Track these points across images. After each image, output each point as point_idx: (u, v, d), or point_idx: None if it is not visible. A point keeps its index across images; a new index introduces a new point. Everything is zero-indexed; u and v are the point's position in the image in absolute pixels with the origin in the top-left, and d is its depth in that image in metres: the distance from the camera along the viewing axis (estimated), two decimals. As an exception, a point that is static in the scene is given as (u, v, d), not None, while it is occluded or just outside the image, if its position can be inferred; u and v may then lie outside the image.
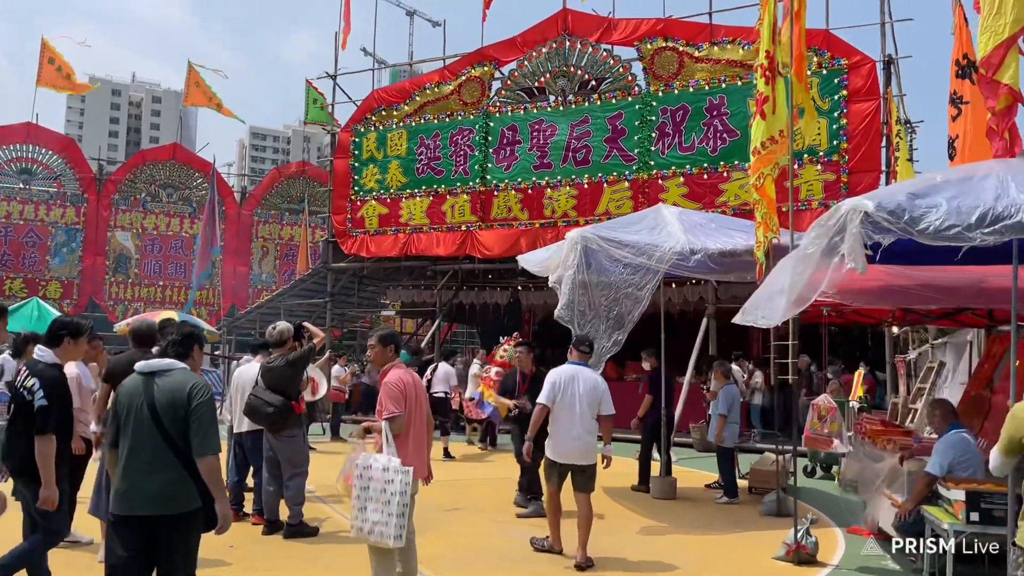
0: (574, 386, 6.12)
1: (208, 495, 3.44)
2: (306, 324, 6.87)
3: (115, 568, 3.43)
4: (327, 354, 14.28)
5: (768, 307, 5.29)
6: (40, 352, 4.42)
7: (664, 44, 15.06)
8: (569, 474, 6.11)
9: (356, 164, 18.20)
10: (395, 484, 4.29)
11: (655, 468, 9.37)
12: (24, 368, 4.38)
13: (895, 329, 12.39)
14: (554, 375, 6.19)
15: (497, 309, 19.35)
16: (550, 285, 8.06)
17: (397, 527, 4.23)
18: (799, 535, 5.94)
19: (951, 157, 8.85)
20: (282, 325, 6.60)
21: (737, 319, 5.85)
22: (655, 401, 9.12)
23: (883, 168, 13.25)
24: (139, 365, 3.59)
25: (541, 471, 6.77)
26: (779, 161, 8.25)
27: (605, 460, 6.11)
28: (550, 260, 8.60)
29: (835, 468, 10.41)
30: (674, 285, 16.10)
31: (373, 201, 17.88)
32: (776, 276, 5.57)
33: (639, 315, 8.14)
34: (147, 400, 3.44)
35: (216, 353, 18.47)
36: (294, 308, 19.07)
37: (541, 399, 6.12)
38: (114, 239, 26.33)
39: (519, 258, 9.85)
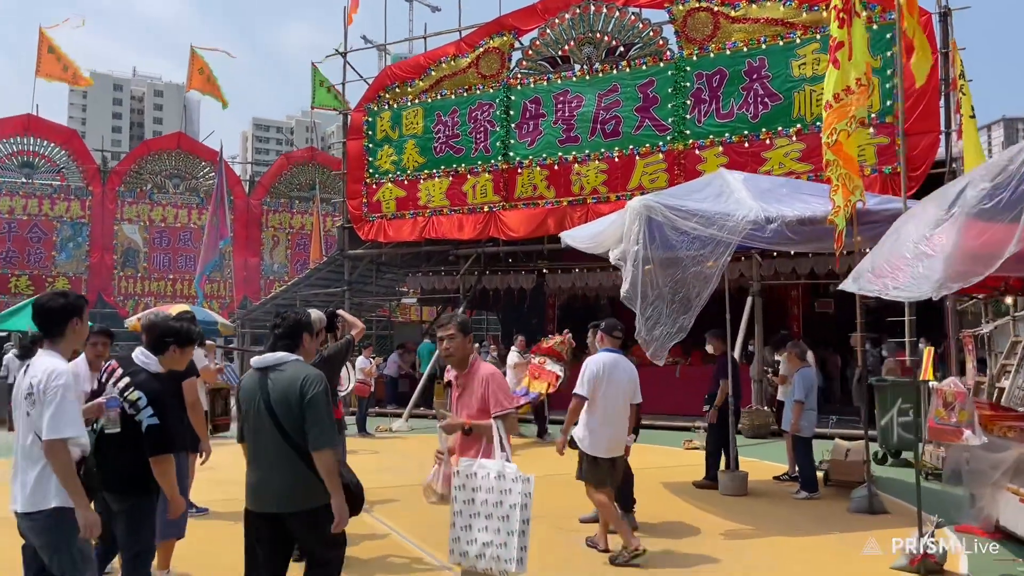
0: (617, 375, 5.78)
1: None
2: (341, 312, 5.95)
3: (253, 560, 3.51)
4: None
5: (902, 275, 4.41)
6: (143, 358, 3.94)
7: (697, 4, 14.06)
8: None
9: (370, 145, 17.31)
10: (513, 495, 3.46)
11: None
12: (121, 373, 3.82)
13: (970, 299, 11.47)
14: (594, 365, 5.77)
15: (522, 294, 18.50)
16: (613, 262, 7.17)
17: (519, 548, 3.41)
18: (924, 541, 5.10)
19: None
20: (314, 314, 5.72)
21: (849, 287, 5.00)
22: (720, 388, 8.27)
23: (943, 129, 12.29)
24: (254, 361, 3.60)
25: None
26: (856, 113, 7.36)
27: (626, 451, 6.00)
28: (604, 234, 7.73)
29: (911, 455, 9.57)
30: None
31: (389, 184, 17.01)
32: (904, 239, 4.69)
33: (708, 296, 7.27)
34: (263, 397, 3.46)
35: (231, 346, 17.70)
36: (310, 298, 18.26)
37: (579, 390, 5.73)
38: (121, 232, 25.58)
39: (563, 235, 8.96)
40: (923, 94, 12.27)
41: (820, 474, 8.27)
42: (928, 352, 11.04)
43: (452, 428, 3.86)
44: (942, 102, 12.40)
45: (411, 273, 18.26)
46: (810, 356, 13.28)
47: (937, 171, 12.13)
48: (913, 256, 4.44)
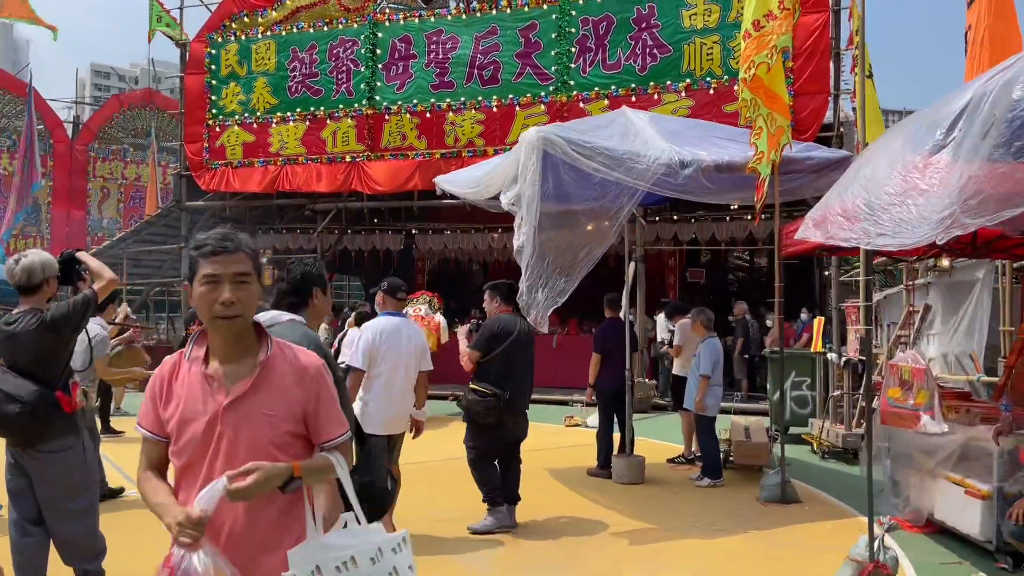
0: (399, 341, 5.00)
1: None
2: (83, 255, 3.97)
3: None
4: (122, 310, 10.86)
5: (887, 218, 3.37)
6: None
7: (585, -58, 12.87)
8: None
9: (213, 82, 15.02)
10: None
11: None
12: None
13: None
14: (370, 332, 4.96)
15: (388, 256, 16.91)
16: (505, 208, 5.84)
17: None
18: (876, 547, 4.19)
19: (965, 51, 7.34)
20: (33, 258, 3.74)
21: (811, 235, 3.96)
22: (611, 361, 7.17)
23: (832, 91, 11.80)
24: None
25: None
26: (778, 43, 6.39)
27: (414, 428, 5.20)
28: (490, 177, 6.41)
29: (806, 433, 8.99)
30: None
31: (236, 127, 14.83)
32: (879, 176, 3.65)
33: (599, 255, 6.14)
34: None
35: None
36: (140, 256, 15.85)
37: (354, 362, 4.89)
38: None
39: (439, 180, 7.53)
40: (812, 54, 11.72)
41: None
42: (819, 323, 10.59)
43: (259, 487, 1.86)
44: (832, 63, 11.91)
45: (262, 230, 16.20)
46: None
47: (825, 135, 11.65)
48: (899, 193, 3.40)
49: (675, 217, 13.93)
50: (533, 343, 5.74)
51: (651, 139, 6.20)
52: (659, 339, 12.51)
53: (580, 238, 6.15)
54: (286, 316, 2.70)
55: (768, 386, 9.93)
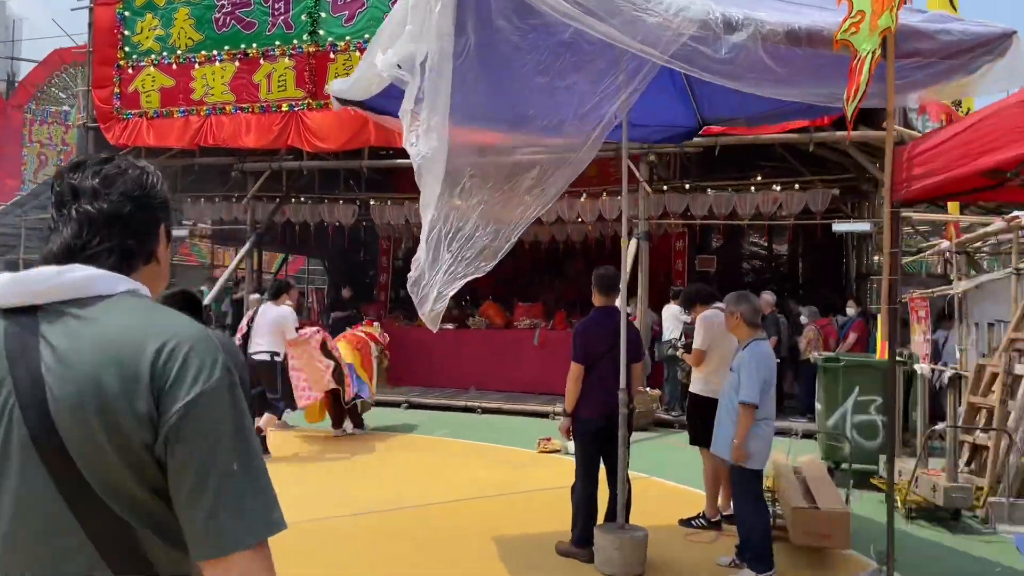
0: None
1: None
2: None
3: None
4: None
5: None
6: None
7: None
8: None
9: (127, 13, 12.32)
10: None
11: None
12: None
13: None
14: None
15: (339, 233, 14.22)
16: (388, 78, 3.17)
17: None
18: None
19: None
20: None
21: None
22: (597, 377, 4.48)
23: None
24: None
25: None
26: None
27: None
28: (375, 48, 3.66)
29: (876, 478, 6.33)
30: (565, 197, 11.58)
31: (152, 68, 12.13)
32: None
33: (554, 196, 3.52)
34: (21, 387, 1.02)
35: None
36: (38, 225, 13.16)
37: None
38: None
39: (331, 88, 4.77)
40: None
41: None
42: (883, 320, 7.91)
43: None
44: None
45: (189, 197, 13.47)
46: (670, 315, 9.77)
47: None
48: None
49: (687, 186, 11.23)
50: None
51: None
52: (667, 338, 9.84)
53: (519, 177, 3.49)
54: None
55: (818, 407, 7.27)
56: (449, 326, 12.56)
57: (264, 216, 12.67)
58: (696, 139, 10.04)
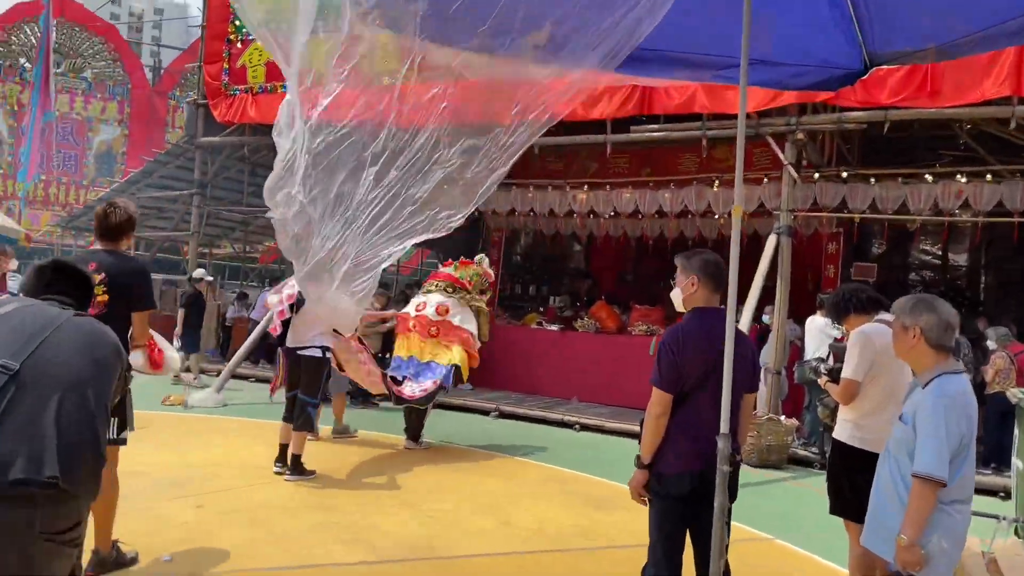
0: None
1: None
2: None
3: None
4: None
5: None
6: None
7: None
8: None
9: (239, -15, 11.90)
10: None
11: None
12: None
13: None
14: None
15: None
16: None
17: None
18: None
19: None
20: None
21: None
22: (691, 411, 3.00)
23: None
24: None
25: None
26: None
27: None
28: None
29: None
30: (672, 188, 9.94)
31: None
32: None
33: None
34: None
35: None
36: (150, 203, 13.08)
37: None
38: (-19, 117, 20.29)
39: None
40: None
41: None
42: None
43: None
44: None
45: (296, 180, 12.99)
46: (816, 329, 7.70)
47: None
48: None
49: (844, 174, 9.29)
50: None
51: None
52: (808, 356, 8.05)
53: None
54: None
55: (1016, 463, 5.35)
56: (554, 327, 11.27)
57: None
58: (857, 113, 8.25)
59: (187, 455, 6.18)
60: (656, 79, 4.52)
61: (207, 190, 12.53)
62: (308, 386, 5.79)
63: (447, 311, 7.27)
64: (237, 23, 11.85)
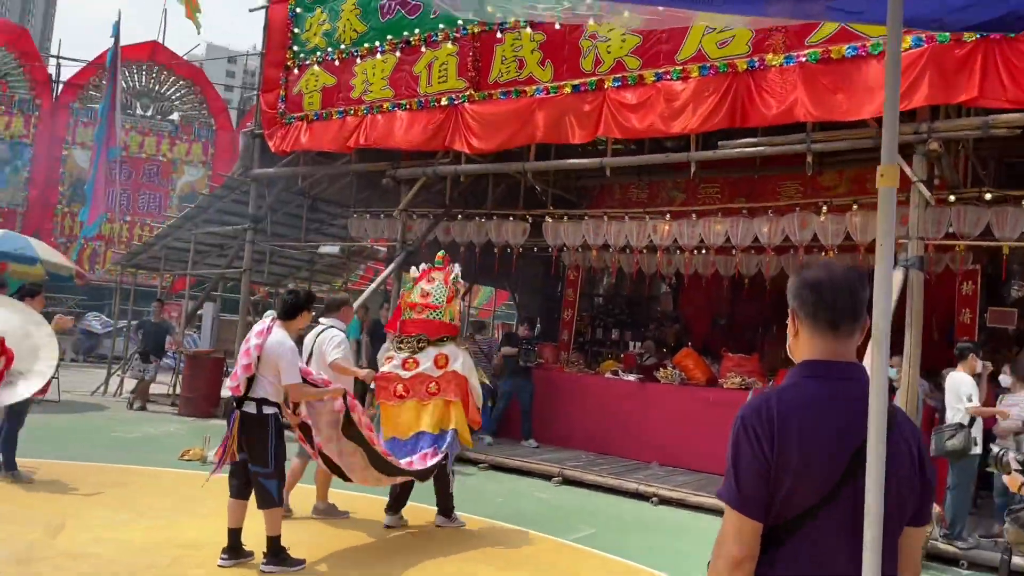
0: None
1: None
2: None
3: None
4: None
5: None
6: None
7: None
8: None
9: (298, 9, 11.31)
10: None
11: None
12: None
13: None
14: None
15: (528, 258, 12.02)
16: None
17: None
18: None
19: None
20: None
21: None
22: (788, 553, 1.62)
23: None
24: None
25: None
26: None
27: None
28: None
29: None
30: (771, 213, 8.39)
31: (316, 67, 10.93)
32: None
33: None
34: None
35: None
36: (207, 240, 12.52)
37: None
38: (71, 159, 20.76)
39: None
40: None
41: None
42: None
43: None
44: None
45: (357, 211, 12.10)
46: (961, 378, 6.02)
47: None
48: None
49: (987, 196, 7.54)
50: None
51: None
52: (951, 421, 6.30)
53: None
54: None
55: None
56: (631, 377, 9.79)
57: (421, 229, 10.86)
58: (1008, 115, 6.59)
59: (171, 528, 5.10)
60: (737, 14, 3.16)
61: (266, 225, 11.84)
62: (253, 451, 4.61)
63: (447, 361, 5.88)
64: (295, 48, 11.23)
